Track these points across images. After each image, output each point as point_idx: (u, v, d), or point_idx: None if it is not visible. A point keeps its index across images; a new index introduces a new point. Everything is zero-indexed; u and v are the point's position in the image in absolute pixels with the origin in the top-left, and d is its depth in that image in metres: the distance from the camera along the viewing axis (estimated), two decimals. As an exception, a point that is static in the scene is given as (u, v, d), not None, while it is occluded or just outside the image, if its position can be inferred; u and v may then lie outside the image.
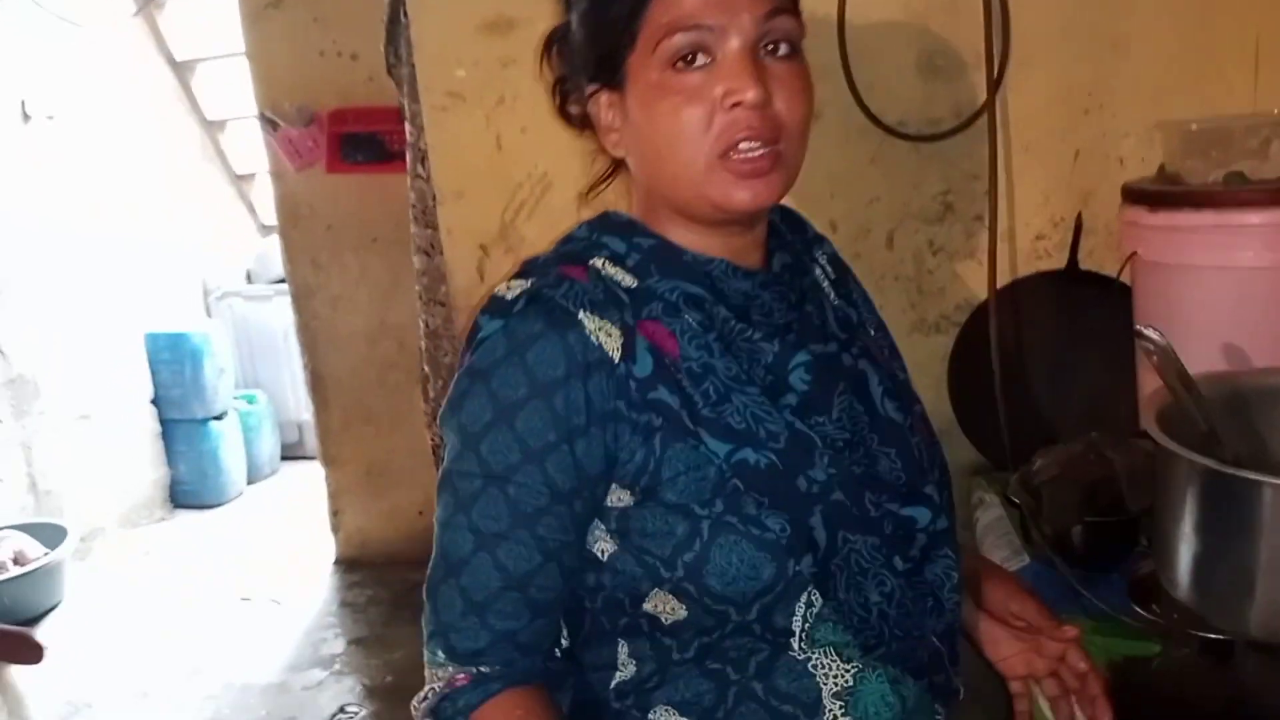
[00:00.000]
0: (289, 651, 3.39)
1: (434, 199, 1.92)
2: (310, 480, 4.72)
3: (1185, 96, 1.63)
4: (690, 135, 0.85)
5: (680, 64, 0.84)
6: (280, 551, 4.19)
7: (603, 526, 0.88)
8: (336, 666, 3.28)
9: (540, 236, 1.64)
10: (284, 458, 5.24)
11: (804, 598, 0.86)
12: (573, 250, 0.93)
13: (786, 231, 1.02)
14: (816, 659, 0.87)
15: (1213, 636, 1.13)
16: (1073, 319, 1.72)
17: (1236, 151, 1.45)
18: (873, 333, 1.04)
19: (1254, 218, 1.38)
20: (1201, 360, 1.37)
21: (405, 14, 1.88)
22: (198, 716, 3.07)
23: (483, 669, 0.88)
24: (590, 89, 0.92)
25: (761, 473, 0.85)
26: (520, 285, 0.89)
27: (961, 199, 1.73)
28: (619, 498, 0.87)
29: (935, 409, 1.73)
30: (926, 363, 1.77)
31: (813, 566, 0.85)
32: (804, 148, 0.90)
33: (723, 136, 0.84)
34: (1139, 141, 1.68)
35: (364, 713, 3.01)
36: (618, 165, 0.98)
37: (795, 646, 0.87)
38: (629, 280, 0.89)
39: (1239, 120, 1.49)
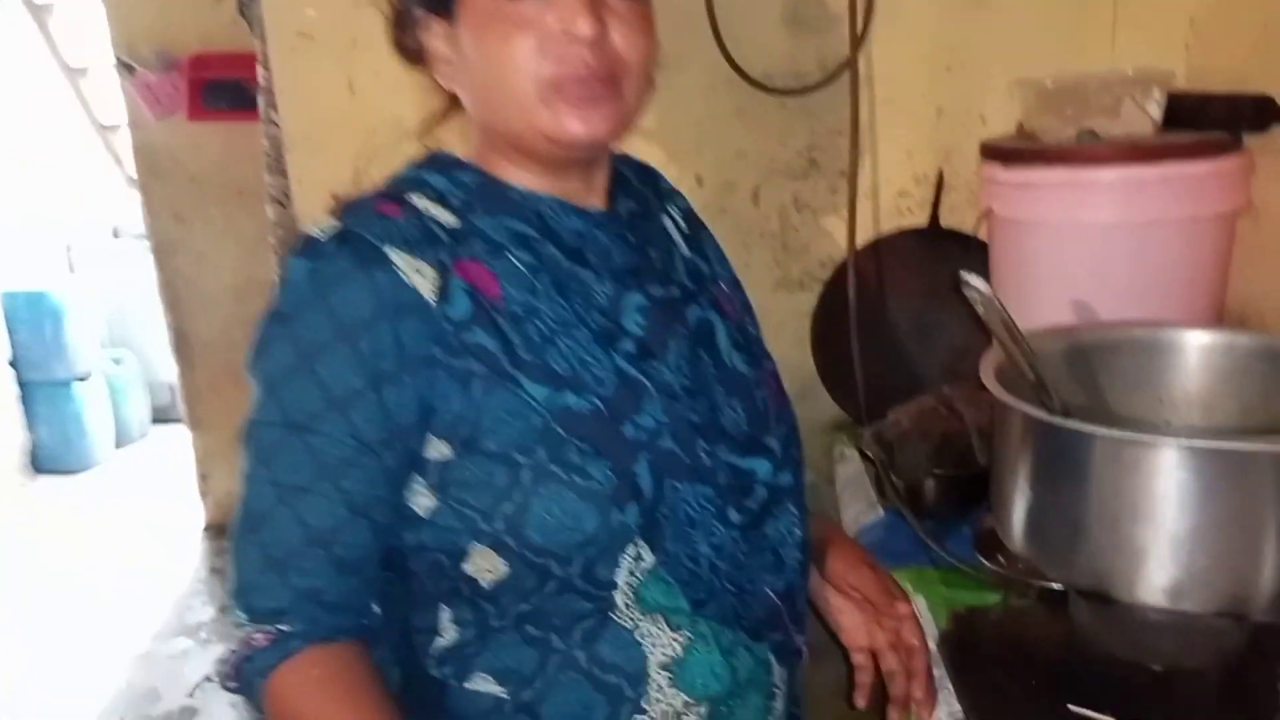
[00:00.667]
0: (154, 620, 3.27)
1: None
2: (182, 444, 4.56)
3: (1046, 55, 1.64)
4: (521, 64, 0.81)
5: None
6: (147, 518, 4.05)
7: (421, 480, 0.84)
8: (203, 635, 3.18)
9: (394, 185, 1.57)
10: (156, 420, 5.05)
11: (630, 550, 0.83)
12: (393, 188, 0.89)
13: (635, 182, 1.00)
14: (645, 627, 0.85)
15: (1051, 586, 1.14)
16: (934, 275, 1.73)
17: (1090, 109, 1.47)
18: (724, 287, 1.03)
19: (1105, 175, 1.40)
20: (1053, 315, 1.39)
21: (254, -52, 1.78)
22: (57, 686, 2.95)
23: (282, 627, 0.82)
24: (422, 17, 0.88)
25: (584, 418, 0.82)
26: (332, 225, 0.84)
27: (826, 155, 1.72)
28: (438, 450, 0.82)
29: (799, 365, 1.74)
30: (790, 320, 1.77)
31: (639, 517, 0.82)
32: (645, 89, 0.87)
33: (556, 67, 0.81)
34: (1000, 99, 1.69)
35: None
36: (453, 106, 0.93)
37: (620, 605, 0.84)
38: (449, 219, 0.86)
39: (1093, 78, 1.51)
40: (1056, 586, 1.13)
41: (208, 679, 2.93)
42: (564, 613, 0.84)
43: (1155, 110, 1.47)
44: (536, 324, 0.83)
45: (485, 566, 0.83)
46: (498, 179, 0.89)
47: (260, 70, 2.01)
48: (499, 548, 0.82)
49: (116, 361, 4.84)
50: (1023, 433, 1.01)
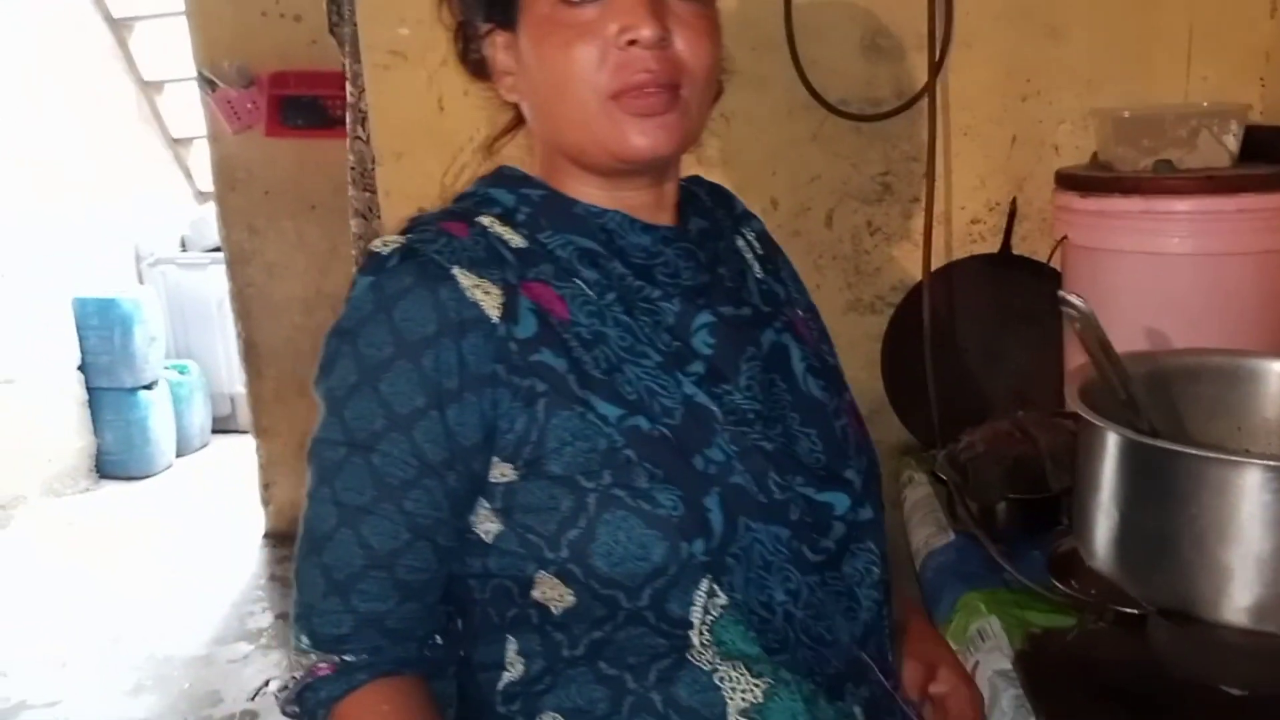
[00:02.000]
0: (214, 624, 3.33)
1: (373, 161, 1.89)
2: (242, 454, 4.63)
3: (1119, 85, 1.67)
4: (582, 73, 0.79)
5: None
6: (208, 524, 4.11)
7: (486, 505, 0.81)
8: (263, 640, 3.22)
9: (479, 201, 1.62)
10: (215, 430, 5.14)
11: (702, 586, 0.78)
12: (459, 207, 0.87)
13: (709, 202, 0.97)
14: (723, 670, 0.80)
15: (1127, 610, 1.15)
16: (1004, 302, 1.75)
17: (1166, 140, 1.49)
18: (800, 313, 0.99)
19: (1180, 205, 1.41)
20: (1126, 343, 1.39)
21: (349, -28, 1.85)
22: (119, 687, 3.00)
23: (347, 657, 0.80)
24: (485, 29, 0.87)
25: (655, 442, 0.78)
26: (396, 241, 0.82)
27: (900, 180, 1.75)
28: (501, 472, 0.80)
29: (868, 388, 1.76)
30: (861, 342, 1.79)
31: (705, 554, 0.77)
32: (709, 98, 0.85)
33: (617, 76, 0.79)
34: (1074, 128, 1.71)
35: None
36: (521, 118, 0.92)
37: (696, 644, 0.79)
38: (517, 239, 0.84)
39: (1169, 110, 1.53)
40: (1135, 611, 1.14)
41: (267, 684, 2.98)
42: (638, 650, 0.80)
43: (1232, 143, 1.48)
44: (604, 349, 0.81)
45: (554, 595, 0.80)
46: (563, 195, 0.87)
47: (349, 88, 2.08)
48: (564, 576, 0.79)
49: (181, 371, 4.95)
50: (1111, 452, 1.02)
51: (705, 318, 0.85)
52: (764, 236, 1.02)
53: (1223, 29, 1.63)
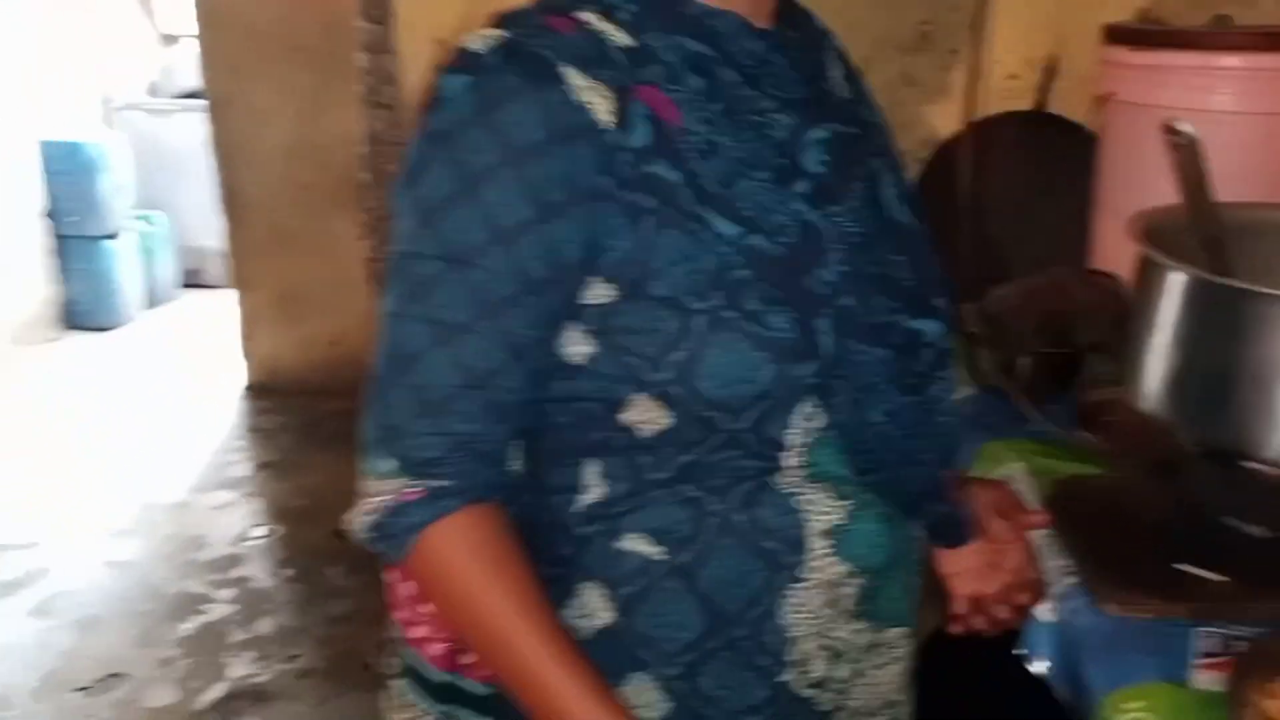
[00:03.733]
0: (195, 473, 3.33)
1: (387, -13, 1.80)
2: (212, 309, 4.58)
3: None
4: None
5: None
6: (184, 376, 4.07)
7: (579, 326, 0.77)
8: (245, 489, 3.23)
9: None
10: (185, 285, 5.05)
11: (804, 409, 0.77)
12: (557, 1, 0.79)
13: (795, 14, 0.91)
14: (808, 493, 0.80)
15: (1158, 457, 1.17)
16: (1036, 161, 1.73)
17: (1224, -4, 1.45)
18: (881, 140, 0.95)
19: (1235, 60, 1.39)
20: (1166, 202, 1.39)
21: None
22: (102, 530, 3.00)
23: (440, 481, 0.76)
24: None
25: (773, 263, 0.75)
26: (494, 35, 0.75)
27: (939, 30, 1.71)
28: (600, 293, 0.76)
29: (893, 243, 1.74)
30: (888, 196, 1.76)
31: (813, 376, 0.76)
32: None
33: None
34: (1123, -14, 1.67)
35: (276, 534, 2.98)
36: None
37: (787, 467, 0.79)
38: (624, 38, 0.77)
39: (1230, -36, 1.49)
40: (1166, 458, 1.16)
41: (250, 530, 2.99)
42: (725, 471, 0.79)
43: (1291, 1, 1.45)
44: (719, 160, 0.76)
45: (646, 417, 0.78)
46: None
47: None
48: (665, 398, 0.76)
49: (149, 221, 4.81)
50: (1174, 292, 1.02)
51: (819, 133, 0.81)
52: (844, 54, 0.97)
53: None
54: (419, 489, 0.76)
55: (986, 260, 1.72)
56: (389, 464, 0.77)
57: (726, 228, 0.75)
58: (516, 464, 0.86)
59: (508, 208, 0.73)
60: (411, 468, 0.76)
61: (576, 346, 0.78)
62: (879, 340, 0.80)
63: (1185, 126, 0.89)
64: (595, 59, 0.75)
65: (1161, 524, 1.12)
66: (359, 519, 0.78)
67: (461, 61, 0.75)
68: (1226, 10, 1.43)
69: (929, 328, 0.84)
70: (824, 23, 0.97)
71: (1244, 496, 1.05)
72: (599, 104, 0.73)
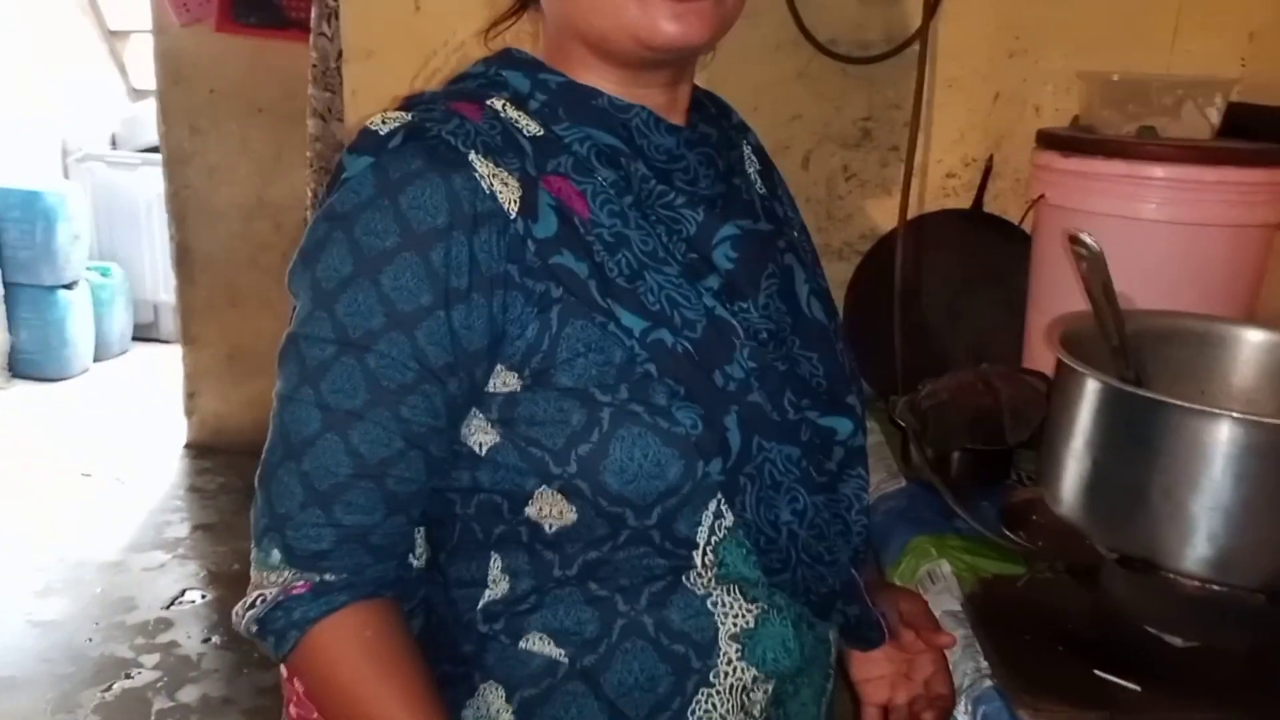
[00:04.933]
0: (130, 531, 3.26)
1: (338, 59, 1.81)
2: (162, 364, 4.52)
3: (1106, 50, 1.67)
4: None
5: None
6: (127, 431, 4.00)
7: (481, 415, 0.76)
8: (180, 550, 3.16)
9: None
10: (136, 338, 4.99)
11: (711, 507, 0.77)
12: (465, 87, 0.80)
13: (711, 108, 0.92)
14: (718, 595, 0.79)
15: (1078, 560, 1.17)
16: (972, 259, 1.75)
17: (1151, 107, 1.49)
18: (796, 233, 0.96)
19: (1160, 171, 1.42)
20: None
21: None
22: (27, 588, 2.92)
23: (326, 575, 0.74)
24: None
25: (679, 358, 0.75)
26: (398, 118, 0.75)
27: (880, 127, 1.74)
28: (504, 381, 0.75)
29: (831, 332, 1.75)
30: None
31: (720, 474, 0.75)
32: None
33: None
34: (1056, 91, 1.71)
35: (207, 598, 2.91)
36: (523, 6, 0.87)
37: (697, 565, 0.78)
38: (533, 127, 0.77)
39: (1157, 78, 1.53)
40: (1085, 562, 1.16)
41: (183, 594, 2.91)
42: (633, 570, 0.78)
43: (1215, 115, 1.49)
44: (626, 253, 0.76)
45: (551, 512, 0.77)
46: (582, 84, 0.80)
47: (319, -20, 1.99)
48: (569, 492, 0.75)
49: (103, 273, 4.77)
50: (1089, 399, 1.03)
51: (729, 230, 0.80)
52: (760, 150, 0.98)
53: (1211, 4, 1.64)
54: (305, 583, 0.74)
55: (922, 354, 1.74)
56: (275, 555, 0.75)
57: (633, 321, 0.74)
58: (418, 557, 0.84)
59: (407, 292, 0.71)
60: (298, 560, 0.75)
61: (480, 436, 0.77)
62: (788, 438, 0.80)
63: (1088, 238, 0.91)
64: (503, 147, 0.75)
65: (1081, 629, 1.12)
66: (243, 612, 0.76)
67: (365, 142, 0.74)
68: (1152, 122, 1.47)
69: (840, 425, 0.84)
70: (741, 117, 0.97)
71: (1161, 605, 1.05)
72: (505, 191, 0.73)
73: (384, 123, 0.75)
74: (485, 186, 0.72)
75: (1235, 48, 1.67)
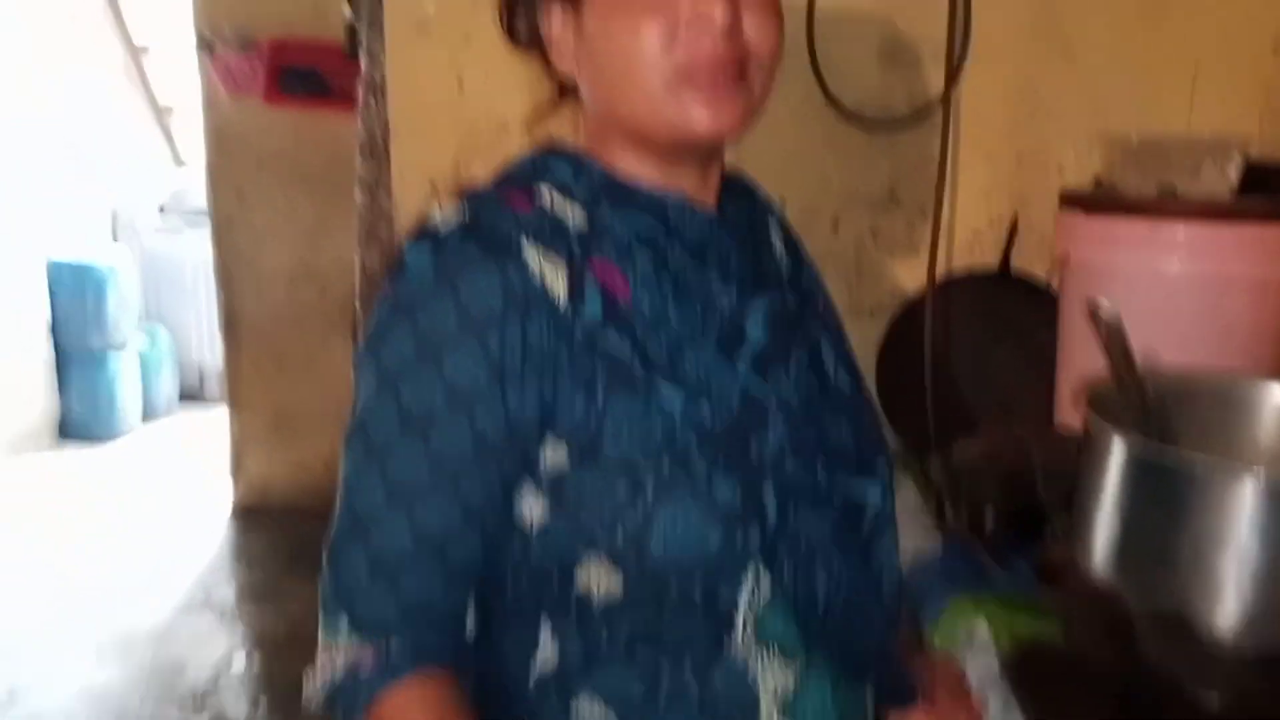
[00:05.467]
0: (178, 595, 3.31)
1: (384, 134, 1.89)
2: (208, 425, 4.61)
3: (1125, 110, 1.70)
4: (650, 53, 0.78)
5: None
6: (174, 493, 4.07)
7: (533, 488, 0.80)
8: (228, 615, 3.20)
9: (493, 182, 1.63)
10: (182, 399, 5.10)
11: (751, 574, 0.79)
12: (515, 178, 0.85)
13: (739, 186, 0.96)
14: (758, 659, 0.81)
15: (1114, 617, 1.19)
16: (1000, 318, 1.78)
17: (1171, 168, 1.52)
18: (821, 304, 1.01)
19: (1182, 230, 1.45)
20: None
21: (373, -56, 1.85)
22: (77, 656, 2.96)
23: (390, 646, 0.78)
24: (542, 2, 0.86)
25: (717, 431, 0.79)
26: (455, 210, 0.80)
27: (906, 190, 1.78)
28: (555, 456, 0.78)
29: (863, 391, 1.78)
30: (858, 346, 1.75)
31: (760, 542, 0.79)
32: (771, 82, 0.84)
33: (687, 55, 0.78)
34: (1078, 151, 1.75)
35: (254, 662, 2.95)
36: (564, 95, 0.91)
37: (739, 630, 0.80)
38: (578, 214, 0.82)
39: (1177, 139, 1.57)
40: (1121, 619, 1.17)
41: (231, 658, 2.96)
42: (678, 636, 0.80)
43: (1233, 173, 1.52)
44: (666, 331, 0.80)
45: (599, 580, 0.79)
46: (621, 173, 0.85)
47: (363, 59, 2.08)
48: (618, 561, 0.78)
49: (151, 336, 4.89)
50: (1117, 459, 1.05)
51: (759, 306, 0.86)
52: (784, 224, 1.03)
53: (1228, 62, 1.68)
54: (371, 653, 0.78)
55: (954, 411, 1.76)
56: (343, 625, 0.79)
57: (673, 396, 0.78)
58: (470, 627, 0.86)
59: (466, 374, 0.75)
60: (365, 628, 0.78)
61: (531, 508, 0.80)
62: (822, 505, 0.83)
63: (1108, 305, 0.94)
64: (551, 234, 0.79)
65: (1117, 689, 1.13)
66: (314, 681, 0.80)
67: (425, 233, 0.79)
68: (1172, 181, 1.50)
69: (870, 491, 0.88)
70: (765, 193, 1.02)
71: (1195, 665, 1.06)
72: (554, 277, 0.77)
73: (442, 215, 0.80)
74: (536, 273, 0.77)
75: (1253, 104, 1.69)
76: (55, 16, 4.39)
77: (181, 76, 3.87)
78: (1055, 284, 1.65)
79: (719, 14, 0.77)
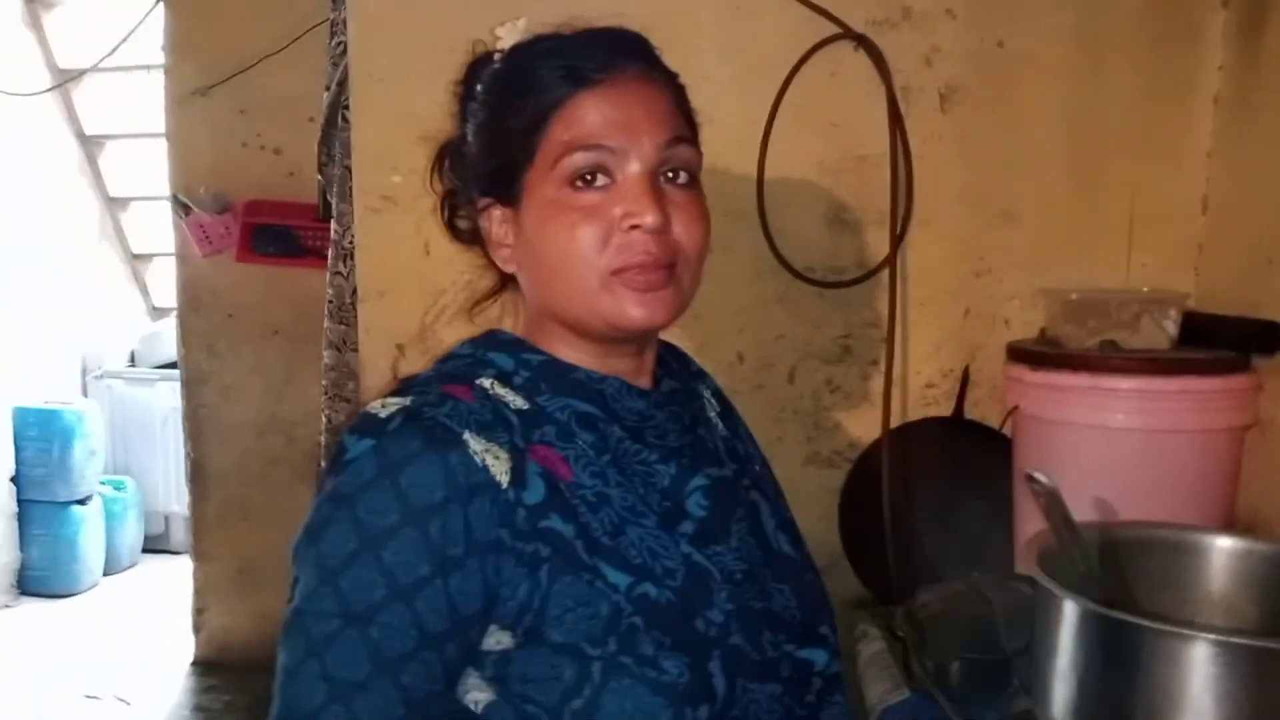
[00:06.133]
0: (133, 756, 3.19)
1: (352, 296, 1.94)
2: (172, 575, 4.51)
3: (1066, 267, 1.78)
4: (585, 253, 0.83)
5: (579, 183, 0.84)
6: (133, 648, 3.96)
7: (477, 674, 0.80)
8: (184, 775, 3.09)
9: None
10: (146, 549, 5.00)
11: None
12: (456, 368, 0.89)
13: (672, 361, 1.02)
14: None
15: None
16: (956, 464, 1.82)
17: (1111, 322, 1.59)
18: (758, 468, 1.04)
19: (1124, 383, 1.51)
20: (1075, 511, 1.46)
21: (344, 118, 1.93)
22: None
23: None
24: (483, 203, 0.91)
25: (663, 609, 0.80)
26: (396, 403, 0.82)
27: (860, 343, 1.84)
28: (497, 640, 0.79)
29: (825, 540, 1.80)
30: (819, 495, 1.84)
31: (708, 718, 0.79)
32: (699, 274, 0.89)
33: (620, 256, 0.83)
34: (1023, 304, 1.82)
35: (210, 827, 2.84)
36: (504, 282, 0.97)
37: None
38: (518, 401, 0.85)
39: (1114, 294, 1.64)
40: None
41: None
42: None
43: (1171, 327, 1.59)
44: (607, 511, 0.82)
45: None
46: (560, 360, 0.89)
47: (333, 225, 2.14)
48: None
49: (116, 487, 4.83)
50: (1068, 620, 1.07)
51: (699, 480, 0.89)
52: (719, 393, 1.08)
53: (1160, 221, 1.77)
54: None
55: (916, 558, 1.78)
56: None
57: (618, 577, 0.80)
58: None
59: (407, 566, 0.76)
60: None
61: (475, 695, 0.81)
62: (769, 675, 0.84)
63: (1042, 477, 0.98)
64: (492, 423, 0.82)
65: None
66: None
67: (367, 425, 0.81)
68: (1113, 335, 1.56)
69: (817, 656, 0.90)
70: (699, 365, 1.07)
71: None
72: (496, 464, 0.80)
73: (383, 407, 0.82)
74: (479, 461, 0.79)
75: (1186, 259, 1.78)
76: (31, 170, 4.48)
77: (158, 226, 3.93)
78: (1009, 432, 1.69)
79: (650, 219, 0.83)
